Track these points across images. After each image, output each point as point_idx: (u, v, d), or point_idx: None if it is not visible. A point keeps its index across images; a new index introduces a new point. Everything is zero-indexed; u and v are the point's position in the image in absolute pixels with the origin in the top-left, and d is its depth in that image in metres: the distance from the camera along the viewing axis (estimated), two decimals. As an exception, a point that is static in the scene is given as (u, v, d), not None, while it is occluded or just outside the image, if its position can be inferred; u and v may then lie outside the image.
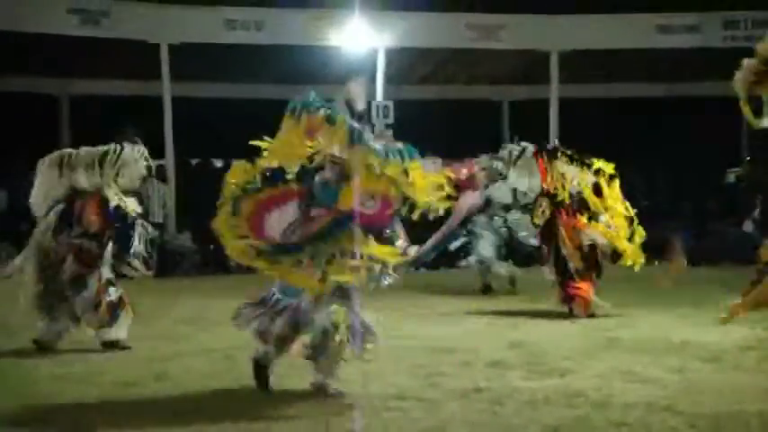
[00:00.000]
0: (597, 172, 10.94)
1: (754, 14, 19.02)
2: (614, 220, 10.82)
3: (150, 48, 18.05)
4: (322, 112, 6.69)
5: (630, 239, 10.75)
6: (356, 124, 6.69)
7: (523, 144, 11.49)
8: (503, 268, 13.41)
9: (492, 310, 11.40)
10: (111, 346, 8.64)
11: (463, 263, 13.77)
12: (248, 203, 6.82)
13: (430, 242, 8.28)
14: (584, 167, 10.98)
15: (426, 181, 6.70)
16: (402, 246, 7.54)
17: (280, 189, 6.92)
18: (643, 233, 10.79)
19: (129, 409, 6.39)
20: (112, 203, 8.74)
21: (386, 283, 6.97)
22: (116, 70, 19.99)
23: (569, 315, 10.63)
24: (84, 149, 8.90)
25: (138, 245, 8.89)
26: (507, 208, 13.21)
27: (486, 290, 13.39)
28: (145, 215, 9.48)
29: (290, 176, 6.96)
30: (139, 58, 18.51)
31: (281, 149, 6.82)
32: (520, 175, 11.35)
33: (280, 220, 6.85)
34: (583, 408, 6.31)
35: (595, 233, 10.78)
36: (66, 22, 17.34)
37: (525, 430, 5.78)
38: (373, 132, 7.54)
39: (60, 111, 21.16)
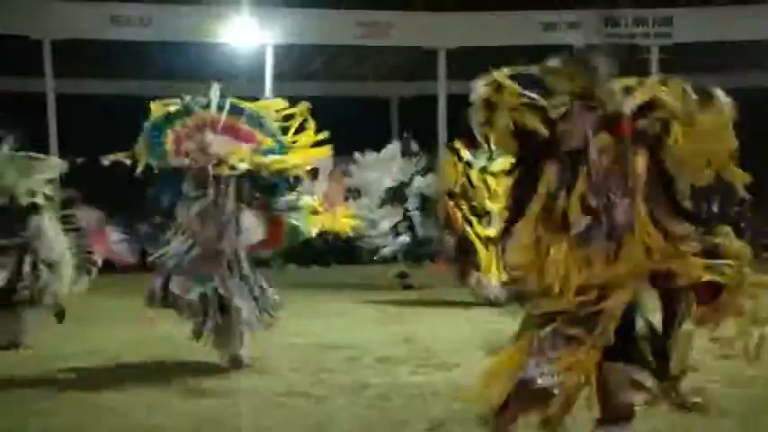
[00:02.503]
0: None
1: (634, 12, 19.51)
2: None
3: (32, 44, 17.66)
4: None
5: None
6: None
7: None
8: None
9: (383, 305, 11.46)
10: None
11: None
12: None
13: None
14: None
15: None
16: None
17: None
18: None
19: (10, 411, 6.27)
20: None
21: None
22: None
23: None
24: None
25: None
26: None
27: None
28: None
29: None
30: (21, 55, 18.07)
31: None
32: None
33: None
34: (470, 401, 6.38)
35: None
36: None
37: (412, 424, 5.83)
38: None
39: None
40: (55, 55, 17.77)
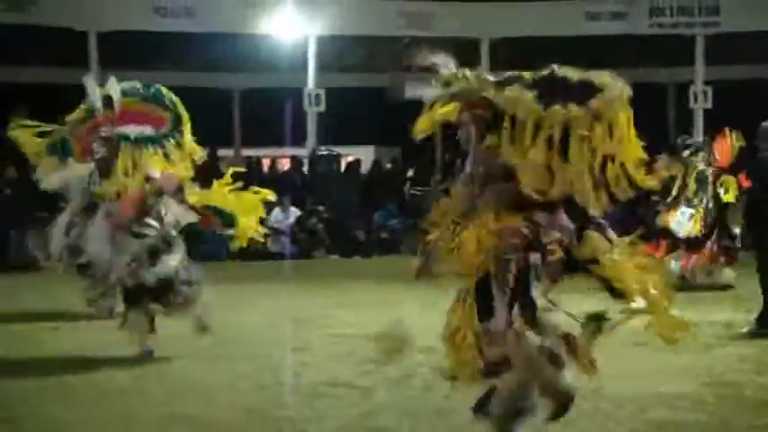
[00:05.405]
0: None
1: (679, 2, 19.33)
2: None
3: (78, 35, 17.81)
4: None
5: None
6: None
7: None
8: None
9: (426, 295, 11.42)
10: None
11: None
12: None
13: None
14: None
15: None
16: None
17: None
18: None
19: None
20: None
21: None
22: (43, 58, 19.65)
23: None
24: None
25: None
26: None
27: None
28: None
29: None
30: (67, 46, 18.23)
31: None
32: None
33: None
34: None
35: None
36: (-11, 10, 17.07)
37: (456, 414, 5.83)
38: None
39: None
40: (100, 47, 17.90)
